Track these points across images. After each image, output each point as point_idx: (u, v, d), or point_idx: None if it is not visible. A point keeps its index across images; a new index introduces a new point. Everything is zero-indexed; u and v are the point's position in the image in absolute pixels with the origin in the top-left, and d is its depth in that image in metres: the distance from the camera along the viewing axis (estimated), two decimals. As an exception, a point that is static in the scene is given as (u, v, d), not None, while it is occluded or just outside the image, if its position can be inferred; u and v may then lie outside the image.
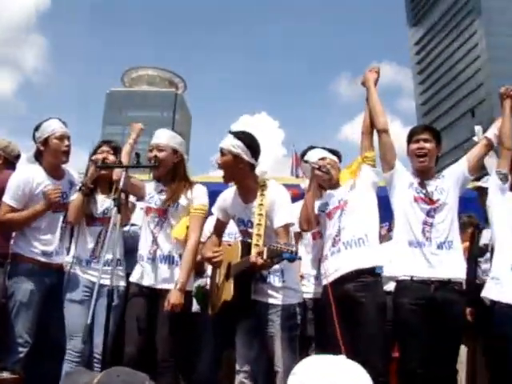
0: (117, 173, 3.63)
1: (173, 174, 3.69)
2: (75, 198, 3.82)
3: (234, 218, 3.60)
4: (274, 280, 3.38)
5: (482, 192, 3.89)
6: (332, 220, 3.59)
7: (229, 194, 3.61)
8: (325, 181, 3.70)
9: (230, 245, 3.65)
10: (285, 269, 3.38)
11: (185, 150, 3.71)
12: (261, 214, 3.31)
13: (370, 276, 3.39)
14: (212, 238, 3.74)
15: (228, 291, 3.31)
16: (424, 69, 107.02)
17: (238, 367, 3.45)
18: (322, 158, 3.72)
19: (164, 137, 3.68)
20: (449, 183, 3.59)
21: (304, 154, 3.83)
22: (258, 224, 3.29)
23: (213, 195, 3.83)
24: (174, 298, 3.39)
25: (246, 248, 3.30)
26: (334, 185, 3.73)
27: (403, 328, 3.34)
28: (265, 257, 2.95)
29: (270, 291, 3.37)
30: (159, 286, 3.55)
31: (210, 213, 3.77)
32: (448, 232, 3.47)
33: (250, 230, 3.41)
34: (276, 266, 3.29)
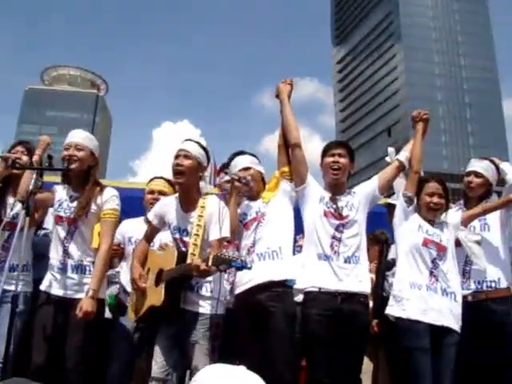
0: (27, 176, 3.49)
1: (85, 178, 3.58)
2: None
3: (169, 226, 3.57)
4: (203, 290, 3.41)
5: (391, 209, 3.96)
6: (248, 231, 3.61)
7: (169, 201, 3.61)
8: (244, 192, 3.71)
9: (162, 247, 3.66)
10: (213, 280, 3.41)
11: (99, 155, 3.64)
12: (199, 225, 3.35)
13: (282, 287, 3.44)
14: (141, 244, 3.70)
15: (157, 296, 3.30)
16: (345, 87, 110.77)
17: (152, 374, 3.43)
18: (246, 169, 3.72)
19: (82, 137, 3.59)
20: (359, 200, 3.66)
21: (231, 159, 3.82)
22: (196, 234, 3.33)
23: (129, 201, 3.70)
24: (86, 305, 3.34)
25: (182, 256, 3.31)
26: (254, 196, 3.73)
27: (310, 338, 3.41)
28: (210, 263, 2.97)
29: (197, 300, 3.40)
30: (70, 296, 3.49)
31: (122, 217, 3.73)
32: (356, 247, 3.56)
33: (185, 239, 3.44)
34: (204, 277, 3.32)
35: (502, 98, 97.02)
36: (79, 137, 3.57)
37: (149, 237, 3.71)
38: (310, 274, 3.50)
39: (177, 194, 3.60)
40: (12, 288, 3.32)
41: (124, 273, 4.18)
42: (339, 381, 3.35)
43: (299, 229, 3.81)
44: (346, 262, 3.49)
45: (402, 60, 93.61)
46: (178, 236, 3.51)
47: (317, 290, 3.46)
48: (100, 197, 3.55)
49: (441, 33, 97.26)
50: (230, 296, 3.82)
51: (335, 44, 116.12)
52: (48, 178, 4.07)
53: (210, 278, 3.36)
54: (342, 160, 3.66)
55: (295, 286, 3.50)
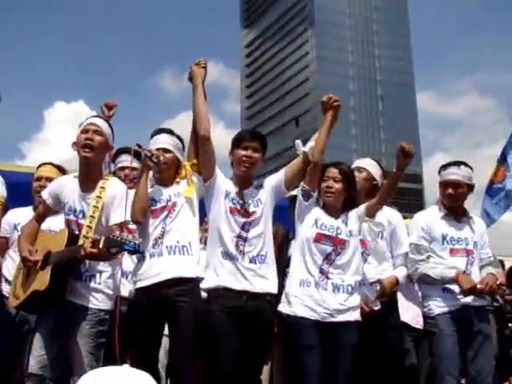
0: None
1: None
2: None
3: (64, 206, 3.54)
4: (92, 281, 3.40)
5: (295, 202, 4.01)
6: (156, 219, 3.58)
7: (67, 180, 3.60)
8: (154, 173, 3.69)
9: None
10: (103, 270, 3.41)
11: None
12: (96, 207, 3.36)
13: (191, 283, 3.46)
14: (31, 224, 3.68)
15: (41, 280, 3.25)
16: (252, 72, 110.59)
17: (29, 369, 3.37)
18: (165, 150, 3.66)
19: None
20: (266, 195, 3.72)
21: (155, 134, 3.77)
22: (92, 216, 3.34)
23: (17, 187, 3.73)
24: None
25: (74, 239, 3.29)
26: (165, 182, 3.71)
27: (212, 333, 3.45)
28: (101, 245, 2.97)
29: (85, 292, 3.37)
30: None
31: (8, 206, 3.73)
32: (261, 245, 3.63)
33: (80, 222, 3.43)
34: (98, 266, 3.35)
35: (417, 91, 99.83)
36: None
37: (40, 216, 3.69)
38: (215, 273, 3.56)
39: (76, 173, 3.57)
40: None
41: (8, 261, 4.17)
42: (240, 376, 3.43)
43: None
44: (251, 261, 3.57)
45: (313, 46, 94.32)
46: (72, 218, 3.49)
47: (221, 288, 3.52)
48: None
49: (356, 20, 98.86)
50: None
51: (244, 26, 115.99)
52: None
53: (102, 268, 3.37)
54: (256, 155, 3.69)
55: (200, 285, 3.57)
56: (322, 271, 3.69)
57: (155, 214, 3.58)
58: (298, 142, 3.79)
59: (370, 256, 4.08)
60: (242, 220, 3.61)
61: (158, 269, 3.46)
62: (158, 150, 3.61)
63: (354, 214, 3.90)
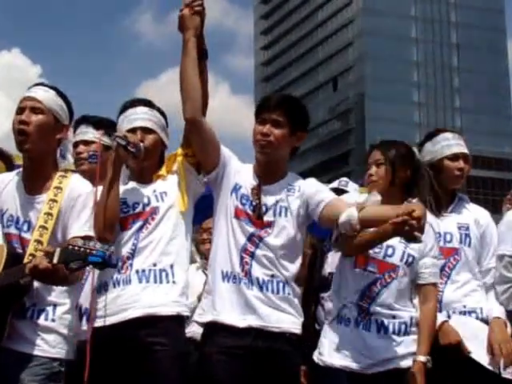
0: None
1: None
2: None
3: (2, 216, 3.21)
4: (40, 317, 3.06)
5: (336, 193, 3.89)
6: (127, 231, 3.31)
7: (4, 179, 3.32)
8: (131, 167, 3.47)
9: None
10: (61, 303, 3.11)
11: None
12: (49, 214, 3.10)
13: (171, 321, 3.26)
14: None
15: None
16: (271, 12, 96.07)
17: None
18: (144, 130, 3.35)
19: None
20: (299, 204, 3.42)
21: (123, 110, 3.48)
22: (43, 227, 3.09)
23: None
24: None
25: (15, 259, 3.01)
26: (145, 174, 3.43)
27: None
28: (55, 260, 2.70)
29: (30, 334, 3.03)
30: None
31: None
32: (278, 266, 3.44)
33: (24, 235, 3.15)
34: (50, 297, 3.06)
35: (509, 38, 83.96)
36: None
37: None
38: (211, 302, 3.43)
39: (19, 170, 3.33)
40: None
41: None
42: None
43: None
44: (262, 287, 3.36)
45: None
46: (13, 230, 3.17)
47: (219, 323, 3.37)
48: None
49: None
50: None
51: None
52: None
53: (55, 299, 3.07)
54: (277, 132, 3.38)
55: (194, 318, 3.55)
56: (360, 307, 3.49)
57: (125, 225, 3.34)
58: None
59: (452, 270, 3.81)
60: (251, 229, 3.34)
61: (121, 302, 3.23)
62: (132, 130, 3.35)
63: None
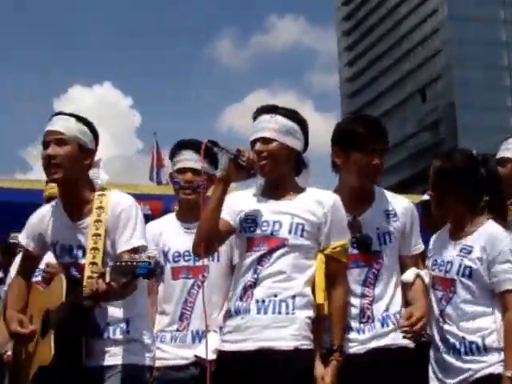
0: None
1: None
2: None
3: (54, 247, 3.23)
4: (116, 332, 3.12)
5: (427, 207, 3.87)
6: (250, 255, 3.17)
7: (45, 211, 3.31)
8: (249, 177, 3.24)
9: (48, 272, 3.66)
10: (132, 316, 3.14)
11: None
12: (98, 235, 3.11)
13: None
14: (16, 283, 3.39)
15: (46, 351, 3.02)
16: (354, 27, 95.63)
17: None
18: (264, 140, 3.20)
19: None
20: (400, 226, 3.41)
21: (257, 115, 3.32)
22: (94, 248, 3.09)
23: (24, 209, 3.65)
24: None
25: (74, 284, 3.03)
26: (278, 186, 3.28)
27: None
28: (107, 279, 2.76)
29: (106, 348, 3.09)
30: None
31: None
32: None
33: (80, 262, 3.15)
34: (120, 314, 3.11)
35: None
36: None
37: (25, 270, 3.40)
38: None
39: (54, 201, 3.34)
40: None
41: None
42: None
43: None
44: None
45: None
46: (68, 260, 3.20)
47: None
48: None
49: None
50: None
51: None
52: None
53: (125, 315, 3.12)
54: (382, 160, 3.38)
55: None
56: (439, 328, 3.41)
57: (251, 246, 3.18)
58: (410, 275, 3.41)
59: None
60: (365, 269, 3.33)
61: (252, 329, 3.11)
62: (254, 142, 3.22)
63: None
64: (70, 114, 3.18)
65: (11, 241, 4.62)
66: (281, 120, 3.21)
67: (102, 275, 2.81)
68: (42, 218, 3.29)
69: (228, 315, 3.24)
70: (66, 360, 3.00)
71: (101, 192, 3.20)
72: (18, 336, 3.21)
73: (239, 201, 3.27)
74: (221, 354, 3.20)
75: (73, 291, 3.00)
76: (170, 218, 3.77)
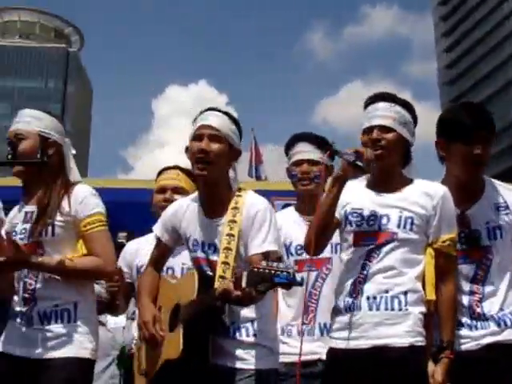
0: None
1: (42, 176, 3.31)
2: None
3: (187, 241, 3.29)
4: (242, 333, 3.12)
5: None
6: (361, 247, 3.15)
7: (184, 205, 3.36)
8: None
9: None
10: (258, 317, 3.12)
11: (63, 136, 3.43)
12: (231, 235, 3.12)
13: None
14: (147, 272, 3.44)
15: (174, 345, 3.07)
16: (451, 12, 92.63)
17: None
18: (384, 129, 3.16)
19: (26, 118, 3.39)
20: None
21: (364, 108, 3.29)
22: (227, 248, 3.11)
23: (125, 209, 3.70)
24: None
25: (207, 282, 3.07)
26: (387, 179, 3.22)
27: None
28: (243, 284, 2.71)
29: (235, 350, 3.10)
30: (44, 356, 3.21)
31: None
32: None
33: (212, 258, 3.19)
34: (247, 313, 3.10)
35: None
36: (18, 121, 3.41)
37: (157, 261, 3.46)
38: None
39: (195, 194, 3.35)
40: None
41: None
42: None
43: None
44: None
45: None
46: (200, 254, 3.25)
47: None
48: (67, 200, 3.29)
49: None
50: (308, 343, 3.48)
51: None
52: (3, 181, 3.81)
53: (251, 314, 3.10)
54: (486, 150, 3.26)
55: None
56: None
57: (358, 241, 3.17)
58: None
59: None
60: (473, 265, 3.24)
61: (363, 326, 3.08)
62: (369, 129, 3.17)
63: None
64: (224, 112, 3.20)
65: (119, 240, 4.63)
66: (399, 110, 3.17)
67: (238, 280, 2.77)
68: (178, 211, 3.33)
69: (337, 312, 3.19)
70: (193, 356, 3.02)
71: (237, 193, 3.21)
72: (144, 329, 3.24)
73: (344, 194, 3.18)
74: (331, 351, 3.18)
75: (204, 289, 3.02)
76: (290, 211, 3.81)
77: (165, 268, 3.62)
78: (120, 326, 5.26)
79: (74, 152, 3.51)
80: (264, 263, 2.72)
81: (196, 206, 3.28)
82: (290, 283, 2.64)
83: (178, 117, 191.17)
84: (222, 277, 3.03)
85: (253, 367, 3.08)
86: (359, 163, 3.01)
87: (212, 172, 3.13)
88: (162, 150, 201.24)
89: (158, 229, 3.41)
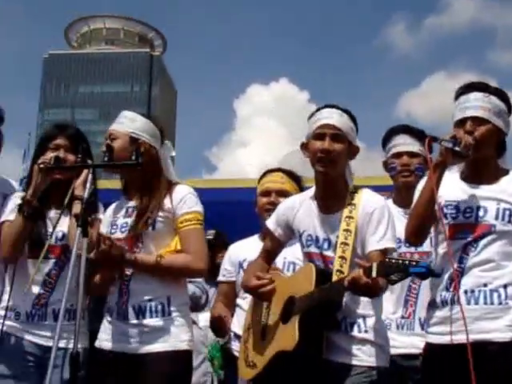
0: (83, 177, 3.33)
1: (142, 174, 3.40)
2: (11, 221, 3.48)
3: (300, 236, 3.29)
4: (354, 329, 3.08)
5: None
6: (457, 240, 3.07)
7: (298, 201, 3.36)
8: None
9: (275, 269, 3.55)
10: (370, 314, 3.09)
11: (158, 138, 3.49)
12: (348, 230, 3.12)
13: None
14: (256, 263, 3.46)
15: (288, 337, 3.04)
16: None
17: None
18: (478, 120, 3.05)
19: (120, 119, 3.50)
20: None
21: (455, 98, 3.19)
22: (344, 243, 3.10)
23: (212, 208, 3.62)
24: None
25: (324, 276, 3.04)
26: (479, 171, 3.14)
27: None
28: (374, 273, 2.68)
29: (346, 345, 3.07)
30: (140, 351, 3.26)
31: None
32: None
33: (326, 254, 3.17)
34: (359, 310, 3.07)
35: None
36: (115, 122, 3.52)
37: (268, 254, 3.46)
38: None
39: (310, 191, 3.35)
40: (65, 344, 3.20)
41: (238, 312, 4.02)
42: None
43: None
44: None
45: None
46: (314, 250, 3.24)
47: None
48: (169, 198, 3.39)
49: None
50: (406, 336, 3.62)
51: None
52: (104, 184, 4.20)
53: (363, 311, 3.08)
54: None
55: None
56: None
57: (454, 234, 3.09)
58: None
59: None
60: None
61: (462, 321, 2.95)
62: (462, 122, 3.07)
63: None
64: (344, 110, 3.19)
65: (208, 237, 4.79)
66: (494, 100, 3.08)
67: (367, 269, 2.73)
68: (292, 206, 3.34)
69: (433, 306, 3.14)
70: (306, 349, 3.02)
71: (354, 189, 3.22)
72: (254, 290, 3.28)
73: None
74: (429, 346, 3.15)
75: (319, 283, 3.01)
76: (389, 204, 3.68)
77: None
78: None
79: (173, 154, 3.57)
80: (396, 255, 2.74)
81: (311, 202, 3.29)
82: (429, 274, 2.65)
83: (260, 116, 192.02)
84: (339, 271, 3.04)
85: (364, 364, 3.06)
86: (457, 149, 2.95)
87: (333, 170, 3.14)
88: (244, 150, 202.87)
89: (271, 223, 3.43)
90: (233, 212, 4.27)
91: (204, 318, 5.17)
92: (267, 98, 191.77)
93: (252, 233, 4.20)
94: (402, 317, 3.60)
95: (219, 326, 4.11)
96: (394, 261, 2.64)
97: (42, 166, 3.36)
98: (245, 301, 3.81)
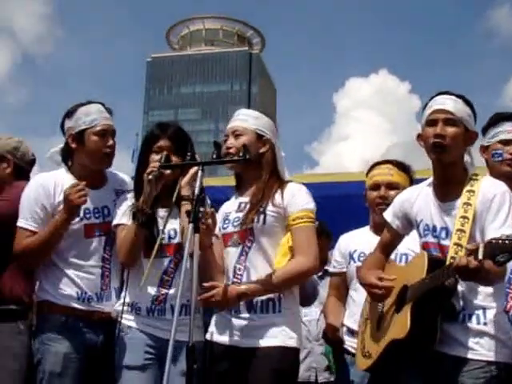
0: (191, 174, 3.36)
1: (257, 171, 3.43)
2: (125, 226, 3.58)
3: (417, 226, 3.23)
4: (472, 321, 2.96)
5: None
6: None
7: (415, 192, 3.30)
8: None
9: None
10: (491, 306, 2.97)
11: (276, 137, 3.54)
12: (465, 217, 3.02)
13: None
14: (373, 256, 3.44)
15: (401, 325, 3.00)
16: None
17: None
18: None
19: (242, 116, 3.52)
20: None
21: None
22: (460, 230, 3.00)
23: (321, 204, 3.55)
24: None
25: (436, 263, 2.98)
26: None
27: None
28: (480, 255, 2.58)
29: (463, 338, 2.94)
30: (250, 345, 3.28)
31: None
32: None
33: (442, 243, 3.09)
34: (479, 301, 2.97)
35: None
36: (237, 118, 3.54)
37: (386, 246, 3.42)
38: None
39: (428, 180, 3.28)
40: (183, 338, 3.09)
41: (351, 305, 3.97)
42: None
43: None
44: None
45: None
46: (431, 239, 3.16)
47: None
48: (280, 194, 3.39)
49: None
50: None
51: None
52: (212, 181, 4.38)
53: (484, 303, 2.97)
54: None
55: None
56: None
57: None
58: None
59: None
60: None
61: None
62: None
63: None
64: (458, 96, 3.14)
65: None
66: None
67: (473, 252, 2.64)
68: (408, 198, 3.30)
69: None
70: (419, 338, 2.95)
71: (474, 176, 3.14)
72: (373, 289, 3.25)
73: None
74: None
75: (433, 270, 2.95)
76: None
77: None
78: (314, 319, 5.24)
79: (283, 154, 3.59)
80: (504, 236, 2.60)
81: (429, 191, 3.22)
82: None
83: (359, 109, 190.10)
84: (453, 258, 2.92)
85: (483, 358, 2.92)
86: None
87: (448, 156, 3.07)
88: (345, 143, 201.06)
89: (388, 215, 3.38)
90: (335, 206, 4.28)
91: (306, 312, 5.08)
92: (366, 91, 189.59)
93: (356, 227, 4.17)
94: (505, 311, 3.37)
95: (332, 337, 4.03)
96: (500, 242, 2.55)
97: (150, 177, 3.42)
98: (357, 292, 3.79)
